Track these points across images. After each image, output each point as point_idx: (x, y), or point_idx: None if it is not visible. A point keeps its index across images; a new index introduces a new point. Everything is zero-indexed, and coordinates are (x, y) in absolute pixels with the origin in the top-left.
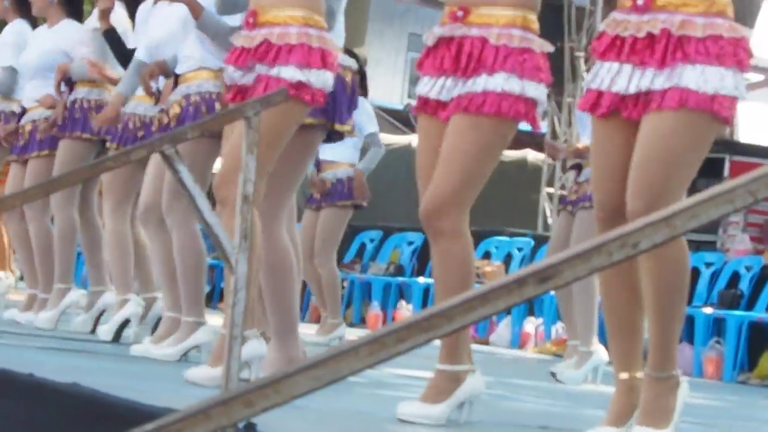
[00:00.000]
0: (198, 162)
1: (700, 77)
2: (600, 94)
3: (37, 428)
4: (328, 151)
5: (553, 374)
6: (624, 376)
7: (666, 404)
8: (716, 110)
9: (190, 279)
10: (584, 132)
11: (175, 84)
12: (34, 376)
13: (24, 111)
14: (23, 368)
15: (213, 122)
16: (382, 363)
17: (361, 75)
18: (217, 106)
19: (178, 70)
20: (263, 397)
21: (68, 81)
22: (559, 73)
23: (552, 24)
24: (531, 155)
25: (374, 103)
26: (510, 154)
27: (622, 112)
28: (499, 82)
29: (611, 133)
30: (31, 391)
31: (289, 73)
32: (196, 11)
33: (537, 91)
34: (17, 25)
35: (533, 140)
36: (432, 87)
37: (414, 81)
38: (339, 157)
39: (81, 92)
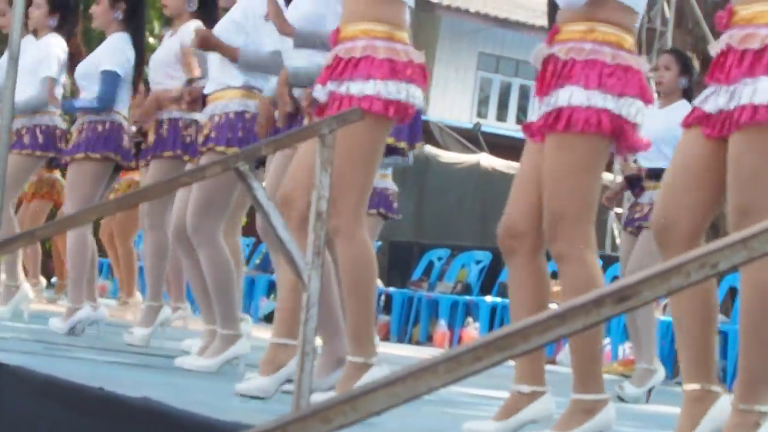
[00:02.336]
0: None
1: (756, 89)
2: (694, 109)
3: None
4: None
5: (622, 399)
6: (689, 387)
7: None
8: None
9: (223, 294)
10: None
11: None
12: (105, 390)
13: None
14: (93, 382)
15: (288, 139)
16: (460, 381)
17: None
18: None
19: (205, 91)
20: (341, 414)
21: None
22: None
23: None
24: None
25: (443, 121)
26: None
27: (703, 128)
28: (565, 97)
29: (688, 146)
30: (102, 405)
31: (357, 87)
32: (232, 56)
33: (612, 102)
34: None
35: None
36: (536, 111)
37: (483, 100)
38: None
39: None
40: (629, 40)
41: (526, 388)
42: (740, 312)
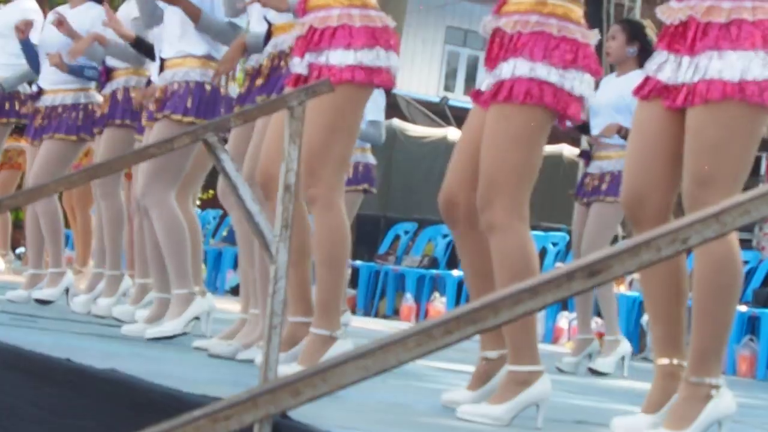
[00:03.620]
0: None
1: (724, 64)
2: (647, 79)
3: (74, 414)
4: None
5: (562, 370)
6: (663, 361)
7: (690, 410)
8: (748, 96)
9: (176, 254)
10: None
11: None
12: (72, 362)
13: (41, 91)
14: (60, 353)
15: (257, 111)
16: (430, 354)
17: None
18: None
19: (163, 54)
20: (311, 386)
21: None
22: None
23: (591, 18)
24: (567, 150)
25: (411, 95)
26: (545, 149)
27: (663, 100)
28: (510, 68)
29: (649, 119)
30: (69, 376)
31: (337, 57)
32: (194, 15)
33: (555, 75)
34: (28, 2)
35: (569, 135)
36: (484, 79)
37: (451, 74)
38: None
39: (121, 81)
40: (577, 11)
41: (494, 354)
42: (694, 284)
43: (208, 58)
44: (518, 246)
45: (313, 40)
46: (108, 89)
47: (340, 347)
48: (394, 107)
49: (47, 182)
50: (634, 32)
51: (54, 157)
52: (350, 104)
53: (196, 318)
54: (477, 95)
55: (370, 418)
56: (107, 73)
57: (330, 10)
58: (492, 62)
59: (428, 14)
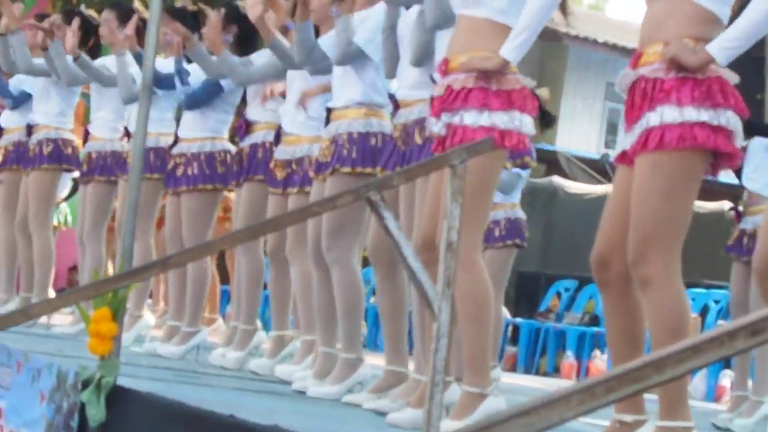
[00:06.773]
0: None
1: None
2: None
3: None
4: None
5: (718, 427)
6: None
7: None
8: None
9: (351, 316)
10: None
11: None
12: (235, 418)
13: (176, 140)
14: (222, 409)
15: (419, 169)
16: (592, 412)
17: (542, 113)
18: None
19: (329, 104)
20: None
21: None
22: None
23: (753, 76)
24: (728, 207)
25: (571, 152)
26: (707, 206)
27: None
28: (668, 112)
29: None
30: None
31: (471, 118)
32: (267, 37)
33: (706, 115)
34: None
35: (731, 192)
36: (626, 137)
37: (611, 130)
38: (500, 197)
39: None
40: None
41: (629, 418)
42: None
43: (372, 106)
44: (676, 301)
45: (449, 100)
46: (247, 142)
47: (492, 404)
48: (554, 164)
49: (213, 240)
50: None
51: (195, 210)
52: (486, 166)
53: (359, 383)
54: (622, 157)
55: None
56: (247, 126)
57: (469, 72)
58: (635, 114)
59: (588, 71)
